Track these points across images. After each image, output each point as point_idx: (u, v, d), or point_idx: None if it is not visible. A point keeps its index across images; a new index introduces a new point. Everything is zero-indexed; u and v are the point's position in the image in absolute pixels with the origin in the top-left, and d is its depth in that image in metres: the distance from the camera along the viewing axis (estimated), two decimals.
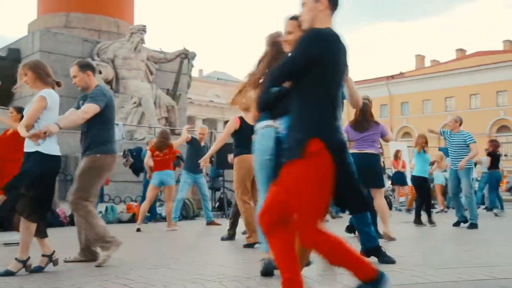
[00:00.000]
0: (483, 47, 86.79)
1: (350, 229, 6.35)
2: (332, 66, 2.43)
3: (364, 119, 5.69)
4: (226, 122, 7.28)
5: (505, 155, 39.96)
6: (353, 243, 3.22)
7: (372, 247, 4.28)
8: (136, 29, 14.98)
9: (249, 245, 5.35)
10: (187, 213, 10.20)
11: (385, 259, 4.20)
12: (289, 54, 2.66)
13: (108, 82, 14.63)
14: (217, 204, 11.21)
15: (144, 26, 15.11)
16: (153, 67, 15.69)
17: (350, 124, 5.81)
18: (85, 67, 4.44)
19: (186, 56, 16.14)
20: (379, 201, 5.87)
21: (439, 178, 12.48)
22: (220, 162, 9.15)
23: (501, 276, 3.69)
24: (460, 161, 7.82)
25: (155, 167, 7.86)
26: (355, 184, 2.54)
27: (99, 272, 3.86)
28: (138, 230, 7.40)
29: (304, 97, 2.45)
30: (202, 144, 8.52)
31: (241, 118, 5.53)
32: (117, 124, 12.66)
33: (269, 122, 3.43)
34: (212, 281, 3.48)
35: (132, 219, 9.02)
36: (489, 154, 11.12)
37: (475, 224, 7.69)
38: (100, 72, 14.44)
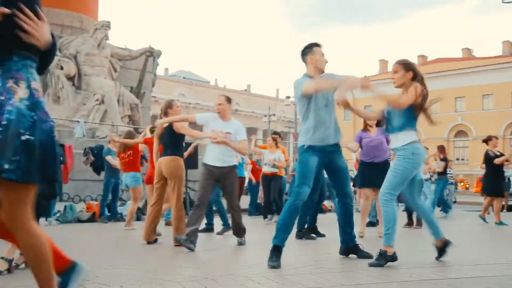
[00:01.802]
0: (443, 54, 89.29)
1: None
2: None
3: None
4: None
5: (462, 159, 41.28)
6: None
7: (352, 246, 4.68)
8: (100, 25, 14.73)
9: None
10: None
11: (363, 255, 4.57)
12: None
13: (70, 79, 14.34)
14: None
15: (109, 22, 14.87)
16: (117, 64, 15.45)
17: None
18: None
19: (151, 54, 15.98)
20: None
21: None
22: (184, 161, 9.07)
23: (452, 276, 3.82)
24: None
25: (123, 169, 7.93)
26: None
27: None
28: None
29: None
30: None
31: None
32: (78, 122, 12.42)
33: None
34: (170, 281, 3.46)
35: (92, 218, 8.86)
36: (443, 160, 11.34)
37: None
38: (62, 68, 14.13)
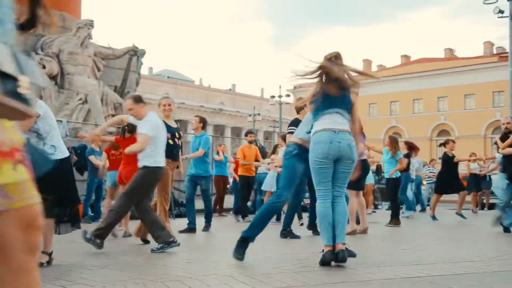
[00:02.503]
0: (426, 54, 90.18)
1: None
2: None
3: None
4: (176, 121, 7.09)
5: None
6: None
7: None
8: (83, 24, 14.57)
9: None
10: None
11: (348, 253, 4.48)
12: None
13: (53, 78, 14.17)
14: None
15: (92, 21, 14.72)
16: (101, 63, 15.31)
17: None
18: None
19: (135, 53, 15.86)
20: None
21: (370, 178, 12.73)
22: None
23: (434, 273, 3.87)
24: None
25: (110, 167, 7.56)
26: None
27: None
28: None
29: None
30: None
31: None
32: (61, 121, 12.29)
33: None
34: (154, 281, 3.45)
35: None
36: (406, 156, 11.33)
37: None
38: (44, 67, 13.97)
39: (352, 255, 4.50)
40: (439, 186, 10.29)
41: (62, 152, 4.16)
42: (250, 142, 9.84)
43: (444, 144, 10.42)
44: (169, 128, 5.97)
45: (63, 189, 4.16)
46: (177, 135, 6.30)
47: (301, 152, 4.60)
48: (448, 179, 10.01)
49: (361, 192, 7.22)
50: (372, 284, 3.48)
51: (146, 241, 5.78)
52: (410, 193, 11.76)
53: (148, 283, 3.37)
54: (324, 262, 4.06)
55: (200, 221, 7.72)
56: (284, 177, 4.48)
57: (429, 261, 4.49)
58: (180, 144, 6.48)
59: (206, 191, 7.77)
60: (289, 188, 4.38)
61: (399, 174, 9.21)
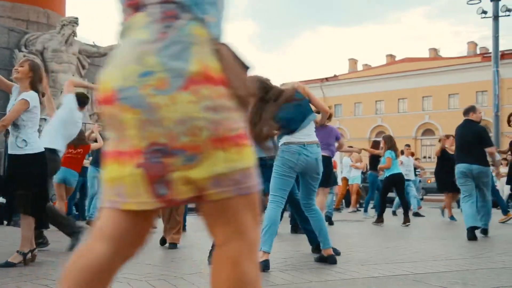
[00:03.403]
0: (411, 53, 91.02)
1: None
2: None
3: None
4: None
5: (429, 157, 42.22)
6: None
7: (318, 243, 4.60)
8: (68, 21, 14.42)
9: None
10: None
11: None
12: None
13: None
14: None
15: (77, 18, 14.58)
16: (86, 61, 15.17)
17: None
18: None
19: None
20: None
21: (358, 178, 12.80)
22: None
23: (418, 271, 3.91)
24: None
25: (63, 163, 6.85)
26: None
27: (18, 273, 3.69)
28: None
29: None
30: None
31: None
32: (45, 119, 12.14)
33: None
34: (138, 280, 3.43)
35: None
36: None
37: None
38: None
39: (337, 253, 4.53)
40: (445, 185, 9.83)
41: (33, 148, 4.08)
42: None
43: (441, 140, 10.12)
44: None
45: (39, 185, 4.12)
46: None
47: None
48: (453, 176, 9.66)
49: (327, 189, 7.07)
50: (356, 282, 3.50)
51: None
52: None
53: (132, 282, 3.35)
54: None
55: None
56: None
57: (413, 259, 4.53)
58: None
59: None
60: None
61: (394, 172, 8.95)
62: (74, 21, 14.48)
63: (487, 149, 6.64)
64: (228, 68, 1.25)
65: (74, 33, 14.43)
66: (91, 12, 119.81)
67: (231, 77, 1.24)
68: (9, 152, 4.12)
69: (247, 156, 1.24)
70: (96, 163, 8.04)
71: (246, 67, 1.34)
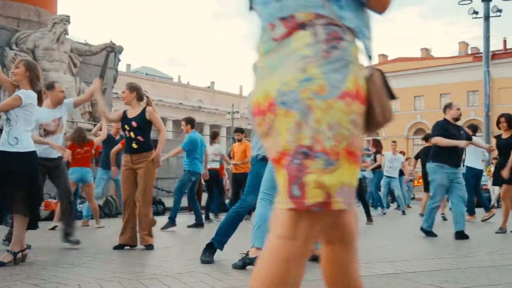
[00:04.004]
0: (403, 53, 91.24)
1: None
2: None
3: None
4: None
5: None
6: None
7: None
8: (59, 19, 14.35)
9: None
10: (110, 210, 9.93)
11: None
12: None
13: None
14: None
15: (68, 16, 14.50)
16: (77, 60, 15.11)
17: None
18: None
19: (112, 50, 15.67)
20: None
21: None
22: None
23: (409, 270, 3.93)
24: None
25: (73, 163, 7.36)
26: None
27: (8, 272, 3.67)
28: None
29: None
30: (117, 138, 8.27)
31: None
32: None
33: None
34: (129, 279, 3.42)
35: (50, 217, 8.63)
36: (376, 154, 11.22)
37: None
38: None
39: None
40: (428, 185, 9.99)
41: (24, 147, 4.07)
42: (239, 141, 9.64)
43: (425, 139, 10.06)
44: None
45: (30, 184, 4.10)
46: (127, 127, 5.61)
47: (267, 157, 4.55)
48: None
49: None
50: None
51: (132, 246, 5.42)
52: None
53: (123, 281, 3.34)
54: (241, 266, 3.90)
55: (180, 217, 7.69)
56: (248, 182, 4.43)
57: (404, 258, 4.55)
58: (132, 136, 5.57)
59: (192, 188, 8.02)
60: (254, 193, 4.32)
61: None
62: (66, 19, 14.40)
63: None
64: (376, 92, 1.38)
65: (65, 31, 14.36)
66: (83, 10, 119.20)
67: (375, 101, 1.37)
68: (0, 148, 4.10)
69: (356, 175, 1.34)
70: (105, 164, 8.06)
71: (392, 96, 1.45)
